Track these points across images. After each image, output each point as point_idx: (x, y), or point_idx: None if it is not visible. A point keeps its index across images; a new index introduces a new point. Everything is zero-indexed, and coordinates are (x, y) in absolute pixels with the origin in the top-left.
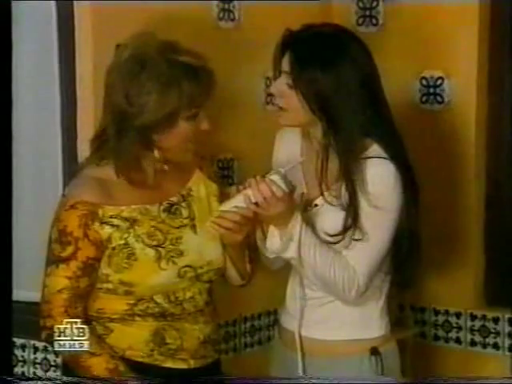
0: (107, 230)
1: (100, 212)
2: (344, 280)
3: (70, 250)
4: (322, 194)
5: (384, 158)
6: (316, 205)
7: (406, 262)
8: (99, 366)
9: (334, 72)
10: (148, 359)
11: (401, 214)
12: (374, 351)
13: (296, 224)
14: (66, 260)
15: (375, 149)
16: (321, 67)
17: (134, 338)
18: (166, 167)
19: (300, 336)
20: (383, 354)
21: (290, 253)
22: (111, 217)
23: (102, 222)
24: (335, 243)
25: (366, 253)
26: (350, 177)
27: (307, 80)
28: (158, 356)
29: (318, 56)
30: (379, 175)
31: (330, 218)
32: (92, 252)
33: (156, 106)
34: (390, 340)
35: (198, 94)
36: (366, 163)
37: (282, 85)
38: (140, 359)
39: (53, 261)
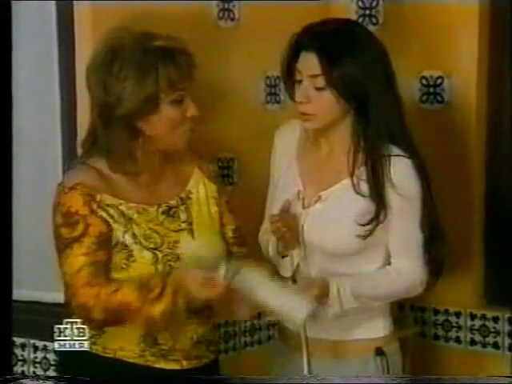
0: (104, 215)
1: (98, 197)
2: (409, 287)
3: (80, 228)
4: (353, 188)
5: (403, 156)
6: (320, 197)
7: (432, 250)
8: (127, 292)
9: (364, 63)
10: (139, 360)
11: (423, 204)
12: (379, 351)
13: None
14: (79, 238)
15: (390, 146)
16: (352, 61)
17: (125, 339)
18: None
19: (306, 337)
20: (388, 354)
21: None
22: (108, 205)
23: (99, 207)
24: (365, 237)
25: (409, 248)
26: (378, 168)
27: (342, 77)
28: (149, 357)
29: (346, 51)
30: (402, 173)
31: (356, 206)
32: (103, 226)
33: (134, 91)
34: (394, 339)
35: (177, 77)
36: (387, 161)
37: (309, 90)
38: (131, 360)
39: (65, 245)
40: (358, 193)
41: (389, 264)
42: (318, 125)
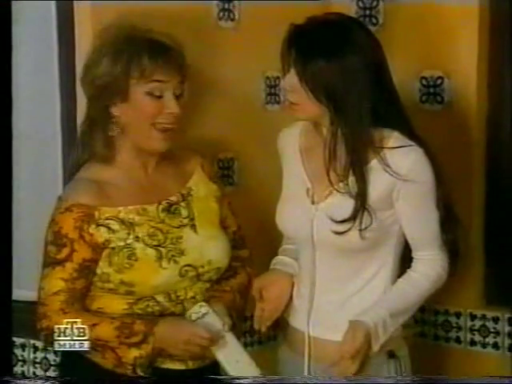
0: (103, 232)
1: (96, 214)
2: (436, 281)
3: (65, 251)
4: (330, 182)
5: (412, 146)
6: (331, 191)
7: (448, 231)
8: (106, 330)
9: (338, 60)
10: None
11: (437, 187)
12: (391, 354)
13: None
14: (62, 262)
15: (398, 137)
16: (323, 57)
17: None
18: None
19: (309, 337)
20: (400, 357)
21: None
22: (108, 218)
23: (99, 225)
24: (342, 232)
25: (429, 236)
26: (358, 163)
27: (311, 72)
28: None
29: (320, 46)
30: (415, 162)
31: (338, 205)
32: (88, 254)
33: (106, 70)
34: (402, 341)
35: (152, 68)
36: (395, 153)
37: (294, 79)
38: None
39: (49, 263)
40: (336, 190)
41: (408, 264)
42: (303, 115)
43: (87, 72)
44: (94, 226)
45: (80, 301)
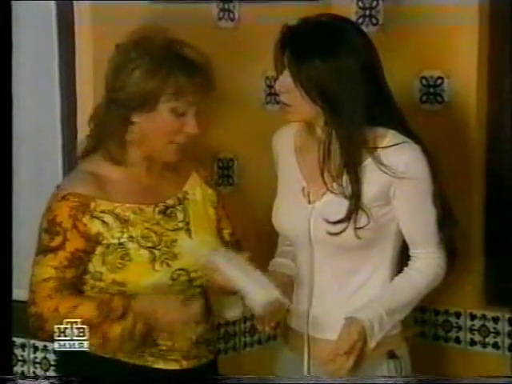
0: (96, 224)
1: (92, 205)
2: (433, 280)
3: (58, 240)
4: (324, 182)
5: (408, 142)
6: (324, 193)
7: (445, 228)
8: (87, 308)
9: (332, 60)
10: (139, 360)
11: (433, 184)
12: (391, 354)
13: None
14: (54, 250)
15: (394, 135)
16: (317, 58)
17: None
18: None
19: (308, 337)
20: (400, 357)
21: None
22: (102, 211)
23: (93, 216)
24: (336, 234)
25: (425, 233)
26: (352, 163)
27: (305, 73)
28: (148, 357)
29: (314, 47)
30: (411, 159)
31: (332, 205)
32: (81, 244)
33: (138, 82)
34: (402, 340)
35: (186, 87)
36: (391, 151)
37: (286, 80)
38: (131, 360)
39: (41, 250)
40: (329, 191)
41: (404, 262)
42: (296, 117)
43: (115, 77)
44: (88, 217)
45: (68, 289)
